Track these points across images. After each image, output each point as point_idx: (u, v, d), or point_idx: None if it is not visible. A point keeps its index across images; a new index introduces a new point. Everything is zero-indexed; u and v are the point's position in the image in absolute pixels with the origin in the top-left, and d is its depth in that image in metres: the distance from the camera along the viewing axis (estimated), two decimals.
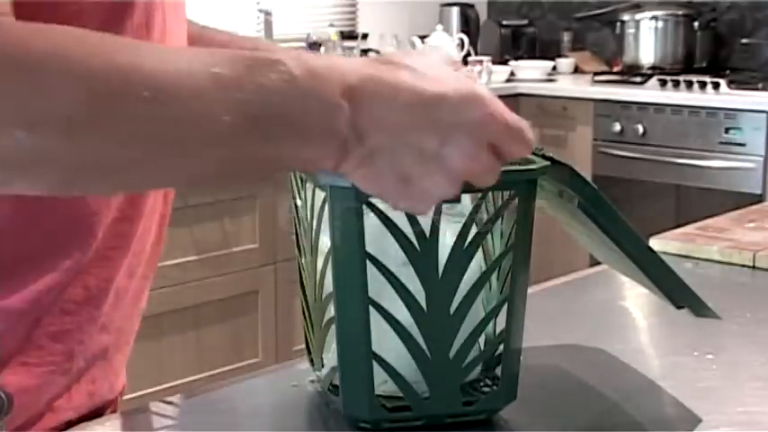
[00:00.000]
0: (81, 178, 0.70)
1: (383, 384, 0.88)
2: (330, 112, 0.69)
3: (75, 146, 0.66)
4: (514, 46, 4.48)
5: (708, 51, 4.21)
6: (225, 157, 0.70)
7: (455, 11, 4.56)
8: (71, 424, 0.93)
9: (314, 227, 0.91)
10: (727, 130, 3.65)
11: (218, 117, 0.68)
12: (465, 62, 4.20)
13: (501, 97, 0.73)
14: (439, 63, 0.75)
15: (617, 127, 3.87)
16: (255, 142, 0.69)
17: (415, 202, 0.73)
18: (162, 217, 0.99)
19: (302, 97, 0.69)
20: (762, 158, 3.58)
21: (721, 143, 3.67)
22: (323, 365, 0.95)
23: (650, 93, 3.86)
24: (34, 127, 0.65)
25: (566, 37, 4.61)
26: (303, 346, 1.01)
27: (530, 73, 4.22)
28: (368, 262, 0.84)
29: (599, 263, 1.25)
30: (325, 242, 0.88)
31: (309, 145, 0.70)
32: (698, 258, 1.45)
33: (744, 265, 1.41)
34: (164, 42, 0.89)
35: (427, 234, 0.84)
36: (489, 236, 0.92)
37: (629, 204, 3.63)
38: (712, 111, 3.68)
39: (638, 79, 4.00)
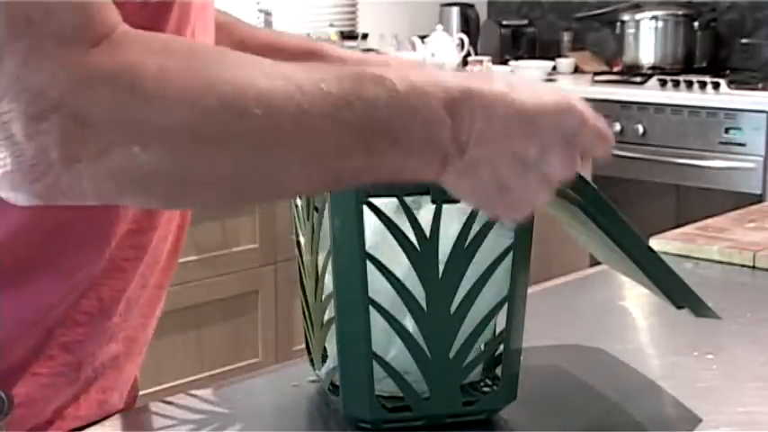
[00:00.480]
0: (190, 192, 0.72)
1: (383, 383, 0.88)
2: (433, 126, 0.72)
3: (189, 162, 0.68)
4: (514, 46, 4.47)
5: (708, 51, 4.20)
6: (331, 171, 0.72)
7: (455, 11, 4.56)
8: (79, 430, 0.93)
9: (314, 227, 0.91)
10: (727, 130, 3.65)
11: (327, 133, 0.70)
12: (465, 62, 4.20)
13: None
14: (530, 81, 0.78)
15: (617, 127, 3.87)
16: (361, 156, 0.71)
17: (512, 209, 0.76)
18: (179, 228, 0.98)
19: (407, 112, 0.71)
20: (762, 158, 3.58)
21: (721, 143, 3.67)
22: (323, 365, 0.95)
23: (650, 93, 3.86)
24: (150, 144, 0.66)
25: (566, 37, 4.61)
26: (303, 346, 1.01)
27: (530, 73, 4.22)
28: (368, 262, 0.84)
29: (599, 263, 1.25)
30: (325, 242, 0.88)
31: (413, 157, 0.73)
32: (698, 258, 1.45)
33: (744, 265, 1.41)
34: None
35: (427, 234, 0.84)
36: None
37: (629, 204, 3.63)
38: (712, 111, 3.68)
39: (638, 79, 4.00)
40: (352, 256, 0.84)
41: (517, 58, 4.36)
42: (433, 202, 0.84)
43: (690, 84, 3.83)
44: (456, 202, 0.79)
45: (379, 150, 0.71)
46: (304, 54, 1.10)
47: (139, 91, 0.66)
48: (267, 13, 4.02)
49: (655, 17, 4.18)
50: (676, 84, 3.86)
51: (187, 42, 0.72)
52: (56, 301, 0.87)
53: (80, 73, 0.65)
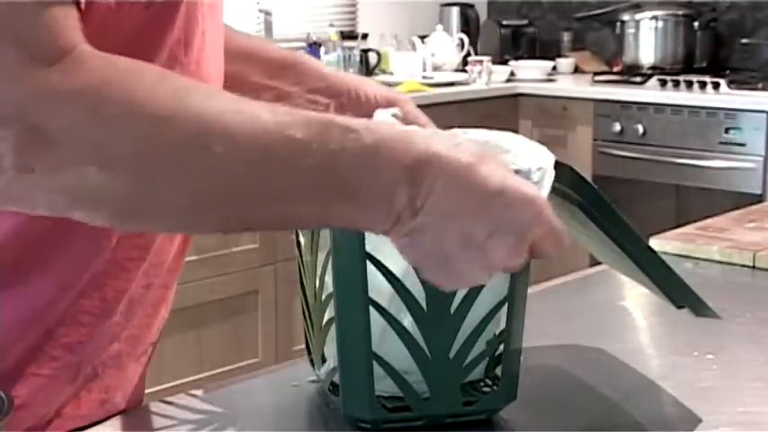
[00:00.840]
0: (141, 217, 0.72)
1: (383, 383, 0.88)
2: (391, 186, 0.72)
3: (143, 189, 0.69)
4: (514, 46, 4.48)
5: (708, 51, 4.20)
6: (281, 214, 0.73)
7: (455, 11, 4.56)
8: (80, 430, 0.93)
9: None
10: (727, 130, 3.65)
11: (284, 178, 0.70)
12: (465, 62, 4.20)
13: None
14: (501, 161, 0.77)
15: (617, 127, 3.87)
16: (315, 204, 0.72)
17: (447, 280, 0.76)
18: None
19: (368, 169, 0.71)
20: (762, 158, 3.58)
21: (721, 143, 3.67)
22: (323, 365, 0.95)
23: (650, 93, 3.86)
24: (107, 166, 0.67)
25: (566, 37, 4.61)
26: (303, 346, 1.01)
27: (530, 73, 4.22)
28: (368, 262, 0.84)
29: (599, 263, 1.25)
30: (325, 242, 0.88)
31: (366, 212, 0.73)
32: (698, 258, 1.45)
33: (744, 265, 1.41)
34: (202, 47, 0.89)
35: None
36: None
37: (629, 204, 3.63)
38: (712, 111, 3.68)
39: (638, 79, 4.00)
40: (352, 256, 0.84)
41: (517, 58, 4.36)
42: None
43: (690, 84, 3.83)
44: None
45: (333, 201, 0.72)
46: (283, 67, 1.09)
47: (103, 112, 0.67)
48: (267, 13, 4.02)
49: (655, 17, 4.18)
50: (676, 84, 3.86)
51: (155, 68, 0.72)
52: (55, 301, 0.87)
53: (43, 87, 0.66)
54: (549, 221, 0.75)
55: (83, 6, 0.73)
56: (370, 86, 1.08)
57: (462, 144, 0.74)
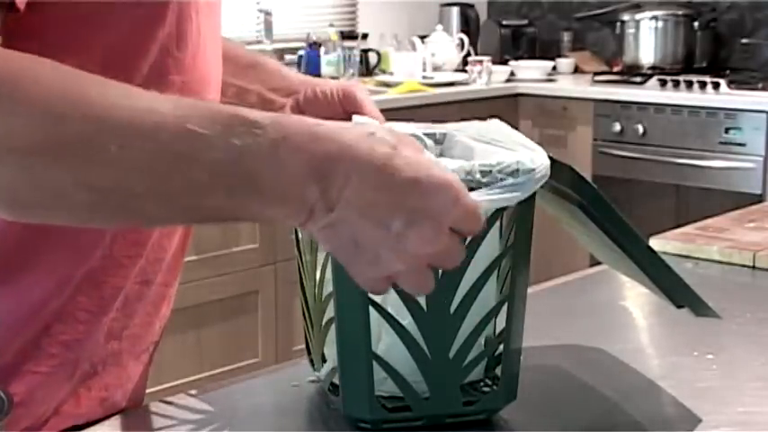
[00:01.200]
0: (35, 209, 0.72)
1: (383, 383, 0.88)
2: (299, 181, 0.71)
3: (35, 180, 0.69)
4: (514, 46, 4.47)
5: (708, 51, 4.20)
6: (186, 208, 0.72)
7: (455, 11, 4.56)
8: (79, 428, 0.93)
9: None
10: (727, 130, 3.65)
11: (183, 173, 0.69)
12: (465, 62, 4.20)
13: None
14: (417, 148, 0.75)
15: (617, 127, 3.87)
16: (220, 198, 0.71)
17: (369, 271, 0.74)
18: (187, 227, 0.98)
19: (273, 164, 0.70)
20: (762, 158, 3.58)
21: (721, 143, 3.67)
22: (323, 365, 0.95)
23: (650, 93, 3.86)
24: (4, 155, 0.68)
25: (566, 37, 4.61)
26: (303, 346, 1.01)
27: (530, 73, 4.22)
28: None
29: (599, 263, 1.25)
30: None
31: (274, 207, 0.72)
32: (698, 258, 1.45)
33: (744, 265, 1.41)
34: (198, 43, 0.89)
35: None
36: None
37: (629, 204, 3.63)
38: (712, 111, 3.68)
39: (638, 79, 4.00)
40: None
41: (517, 58, 4.36)
42: None
43: (690, 84, 3.83)
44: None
45: (240, 196, 0.71)
46: (245, 66, 1.09)
47: (7, 100, 0.68)
48: (267, 13, 4.02)
49: (655, 17, 4.18)
50: (676, 84, 3.86)
51: (52, 64, 0.72)
52: (51, 298, 0.87)
53: None
54: (464, 204, 0.73)
55: (20, 7, 0.74)
56: (326, 84, 1.08)
57: (376, 134, 0.73)
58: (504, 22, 4.52)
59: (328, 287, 0.89)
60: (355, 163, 0.71)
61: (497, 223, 0.88)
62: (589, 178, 0.84)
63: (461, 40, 4.33)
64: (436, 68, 4.20)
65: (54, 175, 0.69)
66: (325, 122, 0.73)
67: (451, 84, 3.99)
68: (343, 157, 0.71)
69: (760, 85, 3.71)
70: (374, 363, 0.86)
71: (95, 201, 0.71)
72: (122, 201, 0.71)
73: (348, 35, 4.17)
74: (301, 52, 3.92)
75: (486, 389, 0.93)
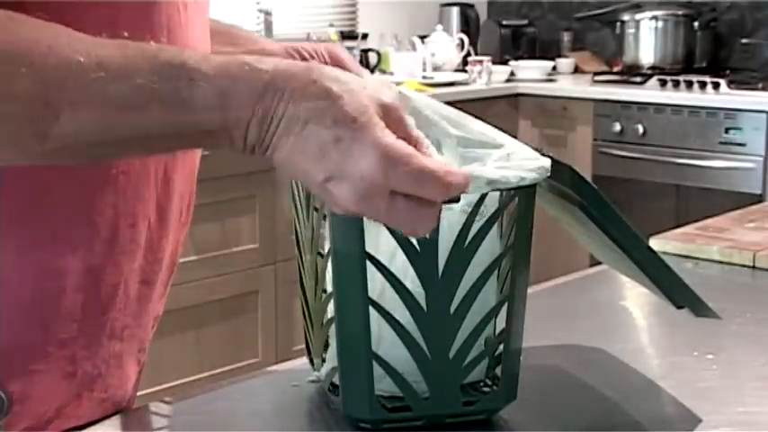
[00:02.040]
0: None
1: (383, 383, 0.88)
2: (240, 123, 0.73)
3: None
4: (514, 46, 4.47)
5: (708, 51, 4.20)
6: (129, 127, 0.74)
7: (455, 11, 4.56)
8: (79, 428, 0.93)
9: (314, 227, 0.91)
10: (727, 130, 3.65)
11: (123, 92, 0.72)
12: (465, 62, 4.20)
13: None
14: (360, 84, 0.75)
15: (617, 127, 3.87)
16: (156, 110, 0.72)
17: (339, 188, 0.73)
18: (182, 225, 0.99)
19: (217, 106, 0.73)
20: (762, 158, 3.58)
21: (721, 143, 3.67)
22: (323, 365, 0.95)
23: (650, 93, 3.86)
24: None
25: (566, 37, 4.61)
26: (303, 346, 1.01)
27: (530, 73, 4.22)
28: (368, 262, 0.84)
29: (599, 263, 1.25)
30: (325, 242, 0.88)
31: (210, 140, 0.75)
32: (698, 258, 1.45)
33: (744, 265, 1.41)
34: (188, 41, 0.90)
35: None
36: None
37: (629, 204, 3.63)
38: (712, 111, 3.68)
39: (638, 79, 4.00)
40: (352, 256, 0.84)
41: (517, 58, 4.36)
42: None
43: (690, 84, 3.83)
44: (456, 201, 0.79)
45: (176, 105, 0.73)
46: (220, 32, 1.10)
47: None
48: (267, 13, 4.02)
49: (655, 17, 4.18)
50: (676, 84, 3.86)
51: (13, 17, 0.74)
52: (48, 295, 0.87)
53: None
54: (406, 167, 0.72)
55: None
56: (308, 45, 1.09)
57: (317, 82, 0.73)
58: (504, 22, 4.52)
59: (328, 287, 0.89)
60: (288, 109, 0.73)
61: (497, 223, 0.88)
62: (589, 178, 0.84)
63: (461, 40, 4.33)
64: (436, 68, 4.20)
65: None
66: (270, 67, 0.74)
67: (451, 84, 3.99)
68: (279, 83, 0.73)
69: (760, 85, 3.71)
70: (374, 363, 0.86)
71: (36, 116, 0.72)
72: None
73: (348, 35, 4.17)
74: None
75: (486, 389, 0.93)
